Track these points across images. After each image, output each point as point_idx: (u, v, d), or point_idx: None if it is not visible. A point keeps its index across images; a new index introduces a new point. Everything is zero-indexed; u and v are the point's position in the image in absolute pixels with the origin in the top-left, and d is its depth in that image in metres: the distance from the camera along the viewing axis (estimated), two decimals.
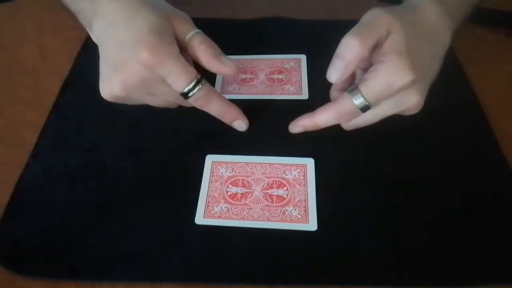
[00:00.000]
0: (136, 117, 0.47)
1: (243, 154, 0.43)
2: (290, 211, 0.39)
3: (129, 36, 0.38)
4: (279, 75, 0.52)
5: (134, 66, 0.38)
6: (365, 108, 0.38)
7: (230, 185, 0.41)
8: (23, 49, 0.57)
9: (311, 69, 0.52)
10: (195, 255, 0.37)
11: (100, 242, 0.38)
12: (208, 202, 0.40)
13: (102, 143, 0.45)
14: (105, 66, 0.40)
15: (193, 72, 0.39)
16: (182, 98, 0.40)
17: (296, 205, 0.39)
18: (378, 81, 0.37)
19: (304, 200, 0.40)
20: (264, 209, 0.39)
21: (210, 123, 0.43)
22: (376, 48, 0.37)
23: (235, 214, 0.39)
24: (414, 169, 0.42)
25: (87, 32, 0.44)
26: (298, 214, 0.39)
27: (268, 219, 0.39)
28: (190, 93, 0.39)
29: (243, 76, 0.52)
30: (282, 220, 0.38)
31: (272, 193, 0.40)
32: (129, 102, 0.42)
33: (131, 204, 0.40)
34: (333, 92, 0.43)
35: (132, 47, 0.37)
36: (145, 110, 0.43)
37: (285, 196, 0.40)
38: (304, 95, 0.49)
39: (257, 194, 0.40)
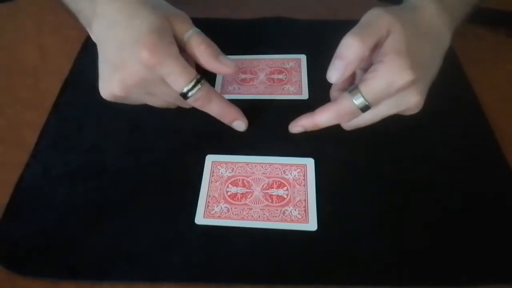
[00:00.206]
0: (136, 117, 0.47)
1: (243, 154, 0.43)
2: (290, 211, 0.39)
3: (129, 36, 0.38)
4: (279, 75, 0.52)
5: (134, 66, 0.38)
6: (365, 108, 0.38)
7: (230, 185, 0.41)
8: (23, 49, 0.57)
9: (311, 69, 0.52)
10: (195, 255, 0.37)
11: (100, 242, 0.38)
12: (208, 202, 0.40)
13: (102, 143, 0.45)
14: (104, 66, 0.40)
15: (193, 72, 0.39)
16: (181, 98, 0.40)
17: (296, 205, 0.39)
18: (378, 81, 0.37)
19: (304, 200, 0.40)
20: (264, 209, 0.39)
21: (210, 123, 0.43)
22: (376, 48, 0.37)
23: (235, 214, 0.39)
24: (414, 169, 0.42)
25: (87, 32, 0.44)
26: (298, 214, 0.39)
27: (268, 219, 0.39)
28: (190, 93, 0.39)
29: (243, 76, 0.52)
30: (282, 220, 0.38)
31: (272, 193, 0.40)
32: (129, 102, 0.42)
33: (131, 204, 0.40)
34: (333, 92, 0.43)
35: (132, 47, 0.37)
36: (145, 110, 0.44)
37: (285, 196, 0.40)
38: (304, 95, 0.49)
39: (257, 194, 0.40)
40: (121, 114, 0.47)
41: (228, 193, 0.41)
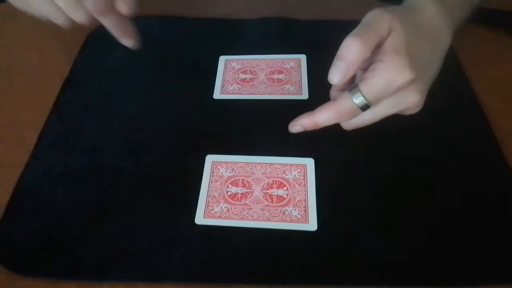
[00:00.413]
0: (136, 117, 0.47)
1: (243, 154, 0.43)
2: (290, 211, 0.39)
3: None
4: (279, 75, 0.52)
5: None
6: (365, 107, 0.38)
7: (230, 185, 0.41)
8: (23, 49, 0.57)
9: (311, 69, 0.52)
10: (195, 255, 0.37)
11: (100, 242, 0.38)
12: (208, 202, 0.40)
13: (102, 143, 0.45)
14: None
15: None
16: (77, 5, 0.41)
17: (296, 205, 0.39)
18: (377, 79, 0.37)
19: (304, 200, 0.40)
20: (264, 209, 0.39)
21: (210, 123, 0.43)
22: (377, 48, 0.37)
23: (235, 214, 0.39)
24: (414, 169, 0.42)
25: (87, 32, 0.44)
26: (298, 214, 0.39)
27: (268, 219, 0.39)
28: None
29: (243, 76, 0.52)
30: (282, 220, 0.38)
31: (272, 193, 0.40)
32: (29, 8, 0.43)
33: (131, 204, 0.40)
34: (333, 92, 0.43)
35: None
36: (145, 110, 0.44)
37: (285, 196, 0.40)
38: (304, 95, 0.49)
39: (257, 194, 0.40)
40: (121, 114, 0.48)
41: (228, 193, 0.41)
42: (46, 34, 0.56)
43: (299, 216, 0.39)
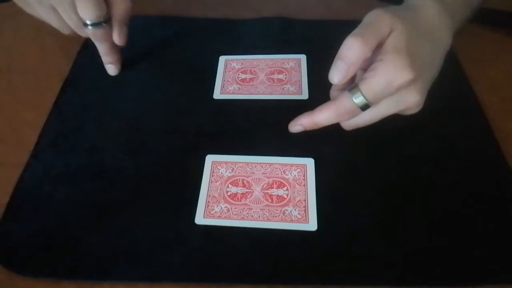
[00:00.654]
0: (136, 117, 0.47)
1: (243, 154, 0.43)
2: (290, 211, 0.39)
3: None
4: (279, 75, 0.52)
5: None
6: (365, 107, 0.38)
7: (230, 185, 0.41)
8: (23, 49, 0.57)
9: (311, 69, 0.52)
10: (195, 255, 0.37)
11: (100, 242, 0.38)
12: (208, 202, 0.40)
13: (102, 143, 0.45)
14: None
15: (104, 9, 0.44)
16: (81, 25, 0.45)
17: (296, 205, 0.39)
18: (377, 79, 0.37)
19: (304, 200, 0.40)
20: (264, 209, 0.39)
21: (210, 123, 0.43)
22: (378, 48, 0.37)
23: (235, 214, 0.39)
24: (414, 169, 0.42)
25: None
26: (298, 214, 0.39)
27: (268, 219, 0.39)
28: (92, 28, 0.45)
29: (243, 76, 0.52)
30: (282, 220, 0.38)
31: (272, 193, 0.40)
32: (35, 13, 0.47)
33: (131, 204, 0.40)
34: (333, 92, 0.43)
35: None
36: (145, 110, 0.44)
37: (285, 196, 0.40)
38: (304, 95, 0.49)
39: (257, 194, 0.40)
40: (121, 114, 0.48)
41: (228, 193, 0.41)
42: (46, 34, 0.56)
43: (299, 216, 0.39)
